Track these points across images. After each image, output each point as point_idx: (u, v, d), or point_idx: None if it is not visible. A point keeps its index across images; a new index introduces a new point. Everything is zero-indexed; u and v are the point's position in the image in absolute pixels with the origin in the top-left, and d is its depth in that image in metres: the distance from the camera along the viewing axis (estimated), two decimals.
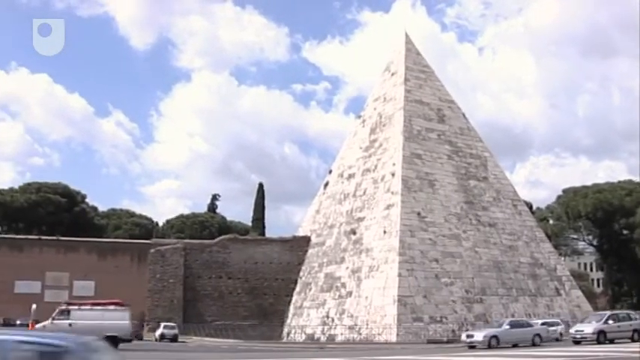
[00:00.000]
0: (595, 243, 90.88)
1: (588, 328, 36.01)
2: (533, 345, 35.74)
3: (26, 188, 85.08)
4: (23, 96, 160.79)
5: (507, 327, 36.80)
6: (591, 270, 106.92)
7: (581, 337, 35.33)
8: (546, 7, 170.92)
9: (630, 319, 37.73)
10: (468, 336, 36.43)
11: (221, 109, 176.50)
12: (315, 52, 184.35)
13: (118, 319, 33.90)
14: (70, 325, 32.62)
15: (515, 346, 35.38)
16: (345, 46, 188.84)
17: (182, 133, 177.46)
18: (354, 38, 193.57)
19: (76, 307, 34.72)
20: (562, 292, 51.59)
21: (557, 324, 42.43)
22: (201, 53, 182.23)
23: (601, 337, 34.73)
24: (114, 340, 32.30)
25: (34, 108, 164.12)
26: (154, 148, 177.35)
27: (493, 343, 34.87)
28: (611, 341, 34.83)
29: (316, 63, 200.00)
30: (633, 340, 34.94)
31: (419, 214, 48.75)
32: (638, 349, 27.61)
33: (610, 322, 36.00)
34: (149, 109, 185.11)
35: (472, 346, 35.13)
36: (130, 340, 34.67)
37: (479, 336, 35.77)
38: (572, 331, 37.34)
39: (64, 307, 34.94)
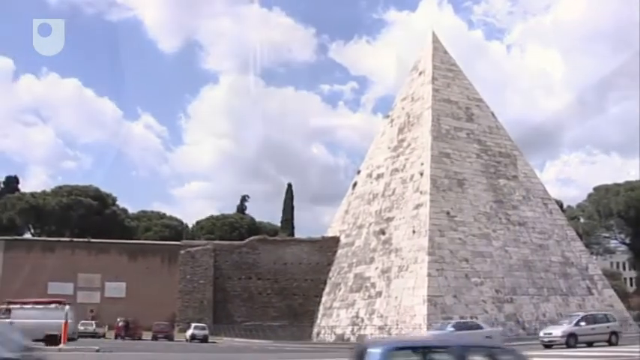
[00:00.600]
0: (627, 241, 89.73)
1: (557, 331, 34.28)
2: None
3: (58, 191, 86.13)
4: (54, 100, 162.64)
5: (451, 329, 34.93)
6: (624, 269, 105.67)
7: (550, 341, 33.68)
8: (574, 3, 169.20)
9: (608, 320, 35.87)
10: None
11: (249, 110, 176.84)
12: (342, 53, 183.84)
13: (60, 318, 32.70)
14: (11, 323, 32.33)
15: None
16: (372, 45, 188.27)
17: (210, 135, 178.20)
18: (380, 38, 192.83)
19: (18, 306, 33.89)
20: (594, 291, 51.01)
21: None
22: (228, 55, 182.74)
23: (571, 341, 33.02)
24: (56, 339, 32.19)
25: (64, 112, 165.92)
26: (183, 151, 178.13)
27: None
28: (590, 344, 33.24)
29: (343, 63, 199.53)
30: (610, 344, 33.24)
31: (448, 213, 48.53)
32: (601, 354, 26.67)
33: (582, 324, 34.21)
34: (178, 111, 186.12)
35: None
36: (75, 339, 34.15)
37: None
38: (541, 333, 36.14)
39: (5, 306, 34.12)
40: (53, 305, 35.03)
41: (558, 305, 48.20)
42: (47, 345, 31.41)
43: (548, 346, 33.54)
